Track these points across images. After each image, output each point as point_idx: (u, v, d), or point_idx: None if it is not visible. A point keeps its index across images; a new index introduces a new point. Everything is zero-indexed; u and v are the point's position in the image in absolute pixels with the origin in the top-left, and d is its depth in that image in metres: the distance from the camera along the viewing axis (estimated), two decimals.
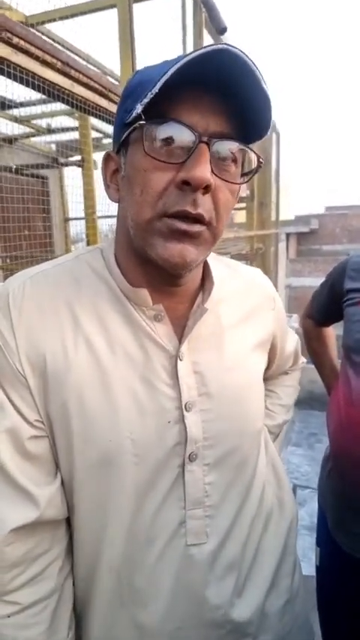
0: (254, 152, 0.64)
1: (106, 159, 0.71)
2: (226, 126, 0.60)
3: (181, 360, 0.71)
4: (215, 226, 0.64)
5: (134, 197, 0.62)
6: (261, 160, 0.65)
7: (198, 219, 0.60)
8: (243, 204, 3.98)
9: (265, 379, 0.90)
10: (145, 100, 0.56)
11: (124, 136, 0.63)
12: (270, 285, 0.92)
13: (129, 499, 0.69)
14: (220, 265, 0.83)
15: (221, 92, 0.58)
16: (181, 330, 0.73)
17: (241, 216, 4.59)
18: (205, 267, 0.77)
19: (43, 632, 0.69)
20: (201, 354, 0.74)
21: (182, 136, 0.58)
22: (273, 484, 0.90)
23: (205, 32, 1.99)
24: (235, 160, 0.62)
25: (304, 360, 1.17)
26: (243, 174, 0.66)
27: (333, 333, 1.63)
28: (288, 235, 17.03)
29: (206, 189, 0.59)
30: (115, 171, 0.70)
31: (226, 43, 0.54)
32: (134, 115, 0.58)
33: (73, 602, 0.77)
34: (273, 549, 0.85)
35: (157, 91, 0.55)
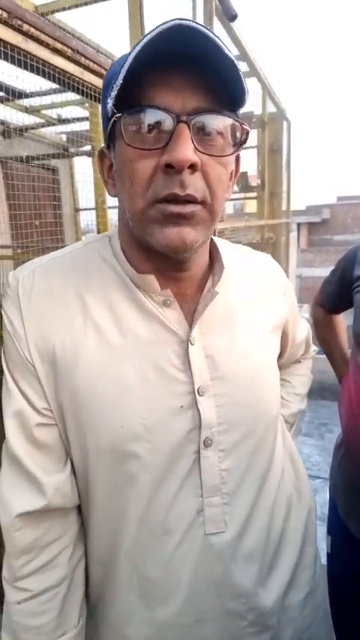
0: (237, 120, 0.62)
1: (101, 156, 0.71)
2: (203, 100, 0.59)
3: (192, 344, 0.71)
4: (211, 204, 0.62)
5: (126, 189, 0.62)
6: (245, 125, 0.63)
7: (190, 200, 0.60)
8: (254, 194, 3.95)
9: (279, 368, 0.90)
10: (113, 93, 0.56)
11: (109, 130, 0.63)
12: (281, 272, 0.92)
13: (143, 486, 0.69)
14: (230, 250, 0.83)
15: (190, 67, 0.56)
16: (191, 315, 0.72)
17: (251, 206, 4.55)
18: (214, 251, 0.76)
19: (52, 620, 0.70)
20: (212, 339, 0.73)
21: (159, 119, 0.58)
22: (291, 474, 0.89)
23: (215, 19, 1.97)
24: (220, 133, 0.61)
25: (316, 348, 1.17)
26: (234, 145, 0.64)
27: (343, 321, 1.63)
28: (299, 225, 16.89)
29: (192, 167, 0.58)
30: (110, 167, 0.70)
31: (179, 18, 0.52)
32: (108, 109, 0.58)
33: (86, 588, 0.78)
34: (294, 540, 0.84)
35: (121, 81, 0.54)
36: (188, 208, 0.60)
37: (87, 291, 0.70)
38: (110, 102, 0.57)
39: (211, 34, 0.54)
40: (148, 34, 0.53)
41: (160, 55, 0.54)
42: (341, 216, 18.36)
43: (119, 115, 0.58)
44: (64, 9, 2.26)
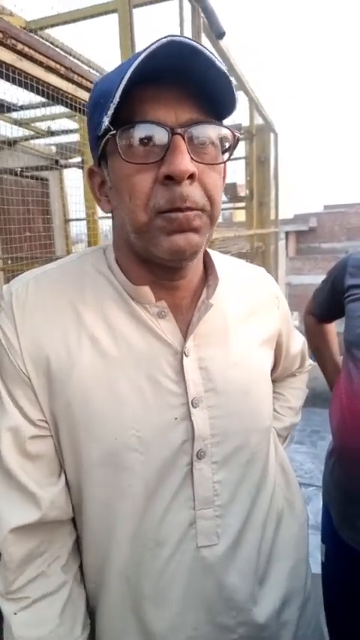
0: (228, 128, 0.64)
1: (90, 174, 0.72)
2: (195, 111, 0.61)
3: (186, 356, 0.71)
4: (210, 210, 0.64)
5: (125, 204, 0.63)
6: (235, 133, 0.66)
7: (191, 208, 0.61)
8: (242, 204, 3.99)
9: (273, 381, 0.90)
10: (110, 112, 0.57)
11: (100, 149, 0.64)
12: (274, 284, 0.93)
13: (136, 499, 0.69)
14: (224, 262, 0.84)
15: (180, 80, 0.58)
16: (185, 327, 0.73)
17: (240, 215, 4.59)
18: (209, 263, 0.77)
19: (53, 631, 0.69)
20: (206, 350, 0.74)
21: (154, 133, 0.59)
22: (282, 486, 0.89)
23: (203, 36, 2.00)
24: (212, 142, 0.63)
25: (312, 362, 1.17)
26: (224, 152, 0.66)
27: (334, 329, 1.65)
28: (287, 234, 17.01)
29: (191, 177, 0.59)
30: (101, 184, 0.70)
31: (170, 35, 0.55)
32: (104, 127, 0.59)
33: (85, 602, 0.77)
34: (287, 553, 0.84)
35: (118, 100, 0.56)
36: (191, 215, 0.61)
37: (81, 303, 0.70)
38: (106, 120, 0.58)
39: (201, 48, 0.56)
40: (140, 52, 0.55)
41: (152, 72, 0.56)
42: (328, 225, 18.54)
43: (114, 132, 0.59)
44: (54, 25, 2.28)
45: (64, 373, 0.67)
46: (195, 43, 0.56)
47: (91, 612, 0.76)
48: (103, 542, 0.71)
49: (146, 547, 0.70)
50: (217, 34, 1.90)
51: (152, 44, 0.54)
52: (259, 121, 3.99)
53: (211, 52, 0.57)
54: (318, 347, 1.64)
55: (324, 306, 1.54)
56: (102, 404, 0.67)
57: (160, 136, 0.59)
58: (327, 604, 1.38)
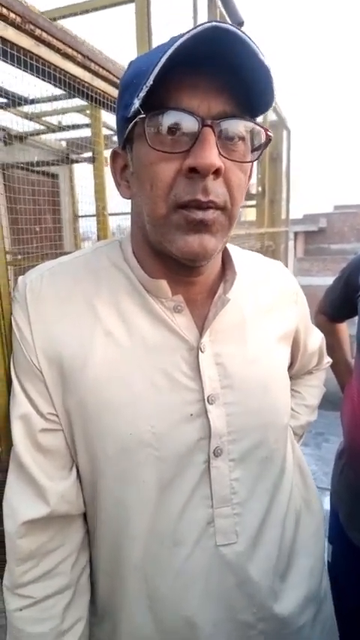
0: (261, 126, 0.62)
1: (114, 156, 0.70)
2: (229, 104, 0.58)
3: (202, 351, 0.70)
4: (230, 209, 0.62)
5: (145, 192, 0.61)
6: (269, 133, 0.63)
7: (211, 206, 0.59)
8: (253, 202, 3.97)
9: (290, 379, 0.89)
10: (142, 94, 0.55)
11: (127, 131, 0.62)
12: (293, 279, 0.91)
13: (151, 495, 0.68)
14: (242, 256, 0.82)
15: (219, 70, 0.56)
16: (201, 322, 0.71)
17: (250, 214, 4.57)
18: (227, 257, 0.76)
19: (55, 628, 0.69)
20: (223, 346, 0.72)
21: (184, 123, 0.57)
22: (300, 486, 0.88)
23: None
24: (242, 138, 0.60)
25: (330, 360, 1.15)
26: (253, 150, 0.64)
27: (346, 329, 1.63)
28: (296, 234, 16.97)
29: (216, 173, 0.57)
30: (123, 168, 0.69)
31: (215, 20, 0.52)
32: (133, 110, 0.57)
33: (92, 595, 0.77)
34: (306, 551, 0.83)
35: (151, 83, 0.53)
36: (210, 214, 0.59)
37: (96, 296, 0.69)
38: (137, 102, 0.56)
39: (247, 38, 0.53)
40: (179, 36, 0.52)
41: (191, 57, 0.53)
42: (338, 225, 18.44)
43: (143, 116, 0.57)
44: (67, 16, 2.27)
45: (78, 367, 0.66)
46: (241, 32, 0.53)
47: (108, 602, 0.76)
48: (118, 537, 0.71)
49: (164, 545, 0.69)
50: (237, 23, 1.87)
51: (194, 28, 0.52)
52: (272, 116, 3.96)
53: (257, 47, 0.54)
54: (329, 347, 1.62)
55: (336, 305, 1.53)
56: (116, 399, 0.67)
57: (190, 125, 0.57)
58: (333, 603, 1.37)
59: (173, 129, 0.57)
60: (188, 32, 0.52)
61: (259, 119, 0.65)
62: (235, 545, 0.72)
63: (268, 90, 0.58)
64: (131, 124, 0.60)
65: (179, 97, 0.57)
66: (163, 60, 0.52)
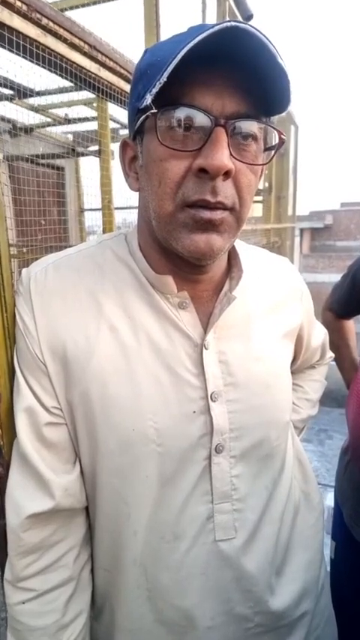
0: (275, 128, 0.60)
1: (123, 146, 0.69)
2: (243, 104, 0.56)
3: (206, 348, 0.69)
4: (239, 211, 0.61)
5: (153, 188, 0.60)
6: (283, 135, 0.62)
7: (219, 207, 0.58)
8: (260, 197, 3.95)
9: (292, 373, 0.88)
10: (155, 90, 0.53)
11: (139, 123, 0.60)
12: (298, 276, 0.90)
13: (152, 490, 0.68)
14: (248, 252, 0.81)
15: (234, 69, 0.54)
16: (206, 319, 0.71)
17: (257, 210, 4.56)
18: (233, 254, 0.75)
19: (57, 621, 0.69)
20: (227, 344, 0.72)
21: (197, 120, 0.55)
22: (299, 479, 0.88)
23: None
24: (255, 138, 0.59)
25: (332, 355, 1.14)
26: (265, 150, 0.62)
27: (353, 326, 1.62)
28: (302, 231, 16.93)
29: (226, 174, 0.56)
30: (132, 159, 0.67)
31: (234, 20, 0.50)
32: (145, 103, 0.55)
33: (93, 590, 0.77)
34: (304, 544, 0.84)
35: (165, 79, 0.52)
36: (218, 214, 0.58)
37: (101, 290, 0.68)
38: (149, 97, 0.54)
39: (266, 40, 0.52)
40: (199, 31, 0.51)
41: (210, 53, 0.52)
42: (344, 223, 18.39)
43: (155, 111, 0.55)
44: (74, 7, 2.25)
45: (82, 362, 0.66)
46: (261, 34, 0.51)
47: (107, 597, 0.76)
48: (118, 531, 0.71)
49: (164, 540, 0.70)
50: (245, 16, 1.85)
51: (215, 25, 0.50)
52: None
53: (275, 48, 0.52)
54: (335, 344, 1.61)
55: (343, 302, 1.52)
56: (120, 394, 0.66)
57: (202, 124, 0.55)
58: (336, 600, 1.37)
59: (185, 126, 0.56)
60: (207, 30, 0.50)
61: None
62: (233, 541, 0.72)
63: (285, 93, 0.56)
64: (143, 116, 0.59)
65: (194, 93, 0.55)
66: (179, 57, 0.51)
